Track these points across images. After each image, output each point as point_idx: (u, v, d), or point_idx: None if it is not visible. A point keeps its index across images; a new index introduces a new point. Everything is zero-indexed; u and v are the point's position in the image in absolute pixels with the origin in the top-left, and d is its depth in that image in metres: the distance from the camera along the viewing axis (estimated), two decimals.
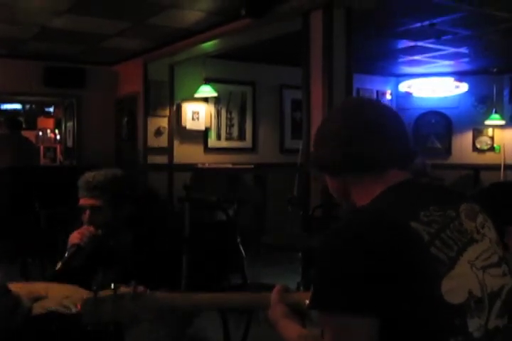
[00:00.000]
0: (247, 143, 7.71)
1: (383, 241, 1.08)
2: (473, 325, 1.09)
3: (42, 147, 9.04)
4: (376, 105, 1.36)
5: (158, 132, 7.07)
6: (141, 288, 1.37)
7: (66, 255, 2.29)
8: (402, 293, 1.06)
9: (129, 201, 2.43)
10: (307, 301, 1.33)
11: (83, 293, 1.91)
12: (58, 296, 1.93)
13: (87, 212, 2.36)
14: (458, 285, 1.10)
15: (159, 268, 2.28)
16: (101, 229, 2.35)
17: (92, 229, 2.34)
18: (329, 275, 1.11)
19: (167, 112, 7.07)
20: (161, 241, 2.40)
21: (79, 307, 1.36)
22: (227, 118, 7.56)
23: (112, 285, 1.34)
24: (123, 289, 1.36)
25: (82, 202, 2.38)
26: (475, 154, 8.58)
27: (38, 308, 1.85)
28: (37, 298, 1.90)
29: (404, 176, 1.28)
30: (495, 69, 7.80)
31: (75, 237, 2.31)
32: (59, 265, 2.33)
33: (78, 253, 2.28)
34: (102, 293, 1.34)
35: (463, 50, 6.68)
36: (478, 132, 8.52)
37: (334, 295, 1.08)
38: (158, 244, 2.38)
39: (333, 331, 1.10)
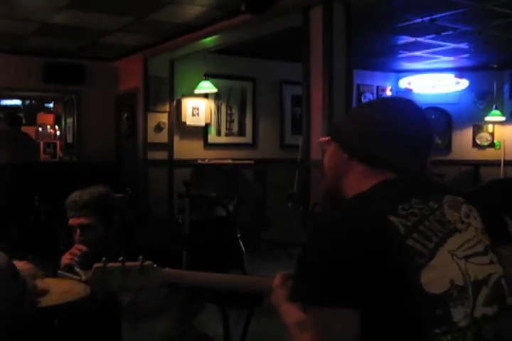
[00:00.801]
0: (247, 138, 7.71)
1: (361, 236, 1.11)
2: (458, 314, 1.10)
3: (42, 143, 9.01)
4: (410, 106, 1.36)
5: (158, 128, 7.07)
6: (148, 263, 1.42)
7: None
8: (381, 285, 1.08)
9: (117, 216, 2.46)
10: None
11: (83, 287, 1.92)
12: (59, 290, 1.94)
13: (78, 231, 2.38)
14: (438, 275, 1.11)
15: None
16: (93, 247, 2.36)
17: (82, 247, 2.34)
18: (308, 267, 1.14)
19: (167, 108, 7.07)
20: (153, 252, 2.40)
21: (89, 275, 1.42)
22: (227, 113, 7.56)
23: (120, 258, 1.41)
24: (130, 263, 1.42)
25: (72, 221, 2.39)
26: (475, 150, 8.58)
27: (40, 303, 1.85)
28: (38, 293, 1.90)
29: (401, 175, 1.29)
30: (495, 65, 7.80)
31: (66, 258, 2.31)
32: None
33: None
34: (111, 265, 1.41)
35: (463, 45, 6.67)
36: (478, 128, 8.53)
37: (313, 288, 1.11)
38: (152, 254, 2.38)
39: (315, 322, 1.13)
